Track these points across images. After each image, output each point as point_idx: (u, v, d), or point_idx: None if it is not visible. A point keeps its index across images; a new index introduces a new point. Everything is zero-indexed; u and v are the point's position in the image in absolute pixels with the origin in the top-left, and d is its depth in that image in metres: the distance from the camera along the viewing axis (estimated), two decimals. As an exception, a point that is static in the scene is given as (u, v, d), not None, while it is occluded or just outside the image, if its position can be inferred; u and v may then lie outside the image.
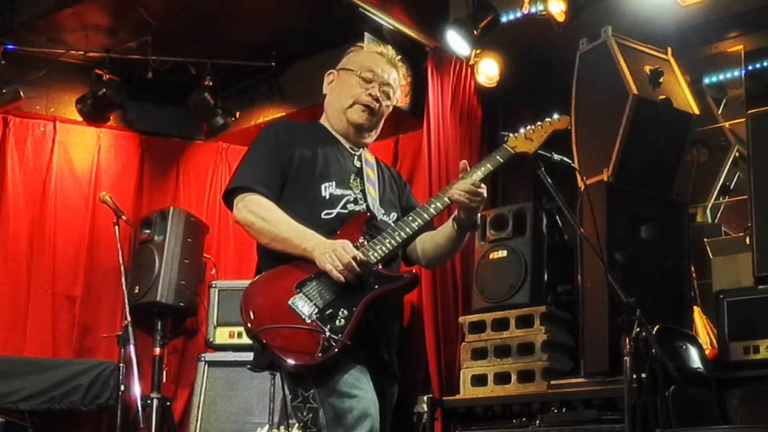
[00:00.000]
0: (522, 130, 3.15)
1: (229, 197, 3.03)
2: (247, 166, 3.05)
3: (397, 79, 3.25)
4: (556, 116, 3.18)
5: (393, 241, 2.93)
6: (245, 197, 2.97)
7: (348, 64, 3.23)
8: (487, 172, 3.06)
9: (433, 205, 3.00)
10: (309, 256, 2.86)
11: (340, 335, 2.76)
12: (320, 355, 2.74)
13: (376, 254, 2.89)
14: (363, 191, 3.08)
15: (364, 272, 2.84)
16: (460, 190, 2.96)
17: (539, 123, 3.16)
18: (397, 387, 3.12)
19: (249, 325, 2.81)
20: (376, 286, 2.86)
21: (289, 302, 2.81)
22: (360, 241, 2.92)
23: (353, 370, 2.81)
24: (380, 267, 2.90)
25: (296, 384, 2.85)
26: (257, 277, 2.94)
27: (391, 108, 3.24)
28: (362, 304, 2.82)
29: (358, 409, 2.76)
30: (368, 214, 3.03)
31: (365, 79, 3.16)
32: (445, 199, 3.01)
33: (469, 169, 3.03)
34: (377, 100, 3.15)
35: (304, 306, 2.81)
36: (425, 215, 2.99)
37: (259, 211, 2.94)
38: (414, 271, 3.01)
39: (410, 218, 2.98)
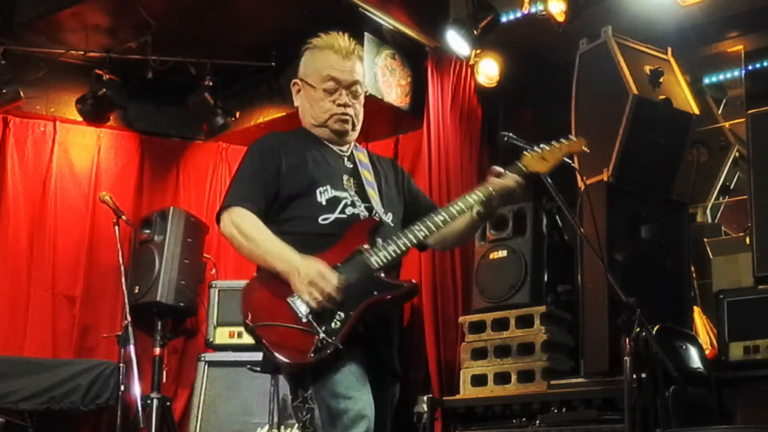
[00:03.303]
0: (537, 149, 3.09)
1: (218, 218, 3.06)
2: (232, 186, 3.08)
3: (359, 68, 3.17)
4: (573, 137, 3.15)
5: (397, 249, 2.94)
6: (230, 210, 2.98)
7: (308, 76, 3.18)
8: None
9: (440, 216, 3.00)
10: (284, 278, 2.85)
11: (334, 338, 2.77)
12: (312, 355, 2.76)
13: (378, 260, 2.90)
14: (359, 193, 3.07)
15: (373, 278, 2.86)
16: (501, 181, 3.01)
17: (555, 143, 3.11)
18: (399, 387, 3.12)
19: (247, 318, 2.84)
20: (375, 293, 2.87)
21: (288, 299, 2.83)
22: (365, 246, 2.93)
23: (351, 371, 2.82)
24: (381, 274, 2.91)
25: (296, 385, 2.88)
26: (260, 272, 2.95)
27: (363, 98, 3.21)
28: (359, 309, 2.83)
29: (353, 411, 2.76)
30: (377, 219, 3.03)
31: (329, 90, 3.12)
32: (448, 211, 3.01)
33: (502, 173, 3.03)
34: (347, 105, 3.13)
35: (302, 305, 2.82)
36: (432, 225, 2.99)
37: (240, 225, 2.95)
38: (413, 280, 3.01)
39: (417, 228, 2.98)
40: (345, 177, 3.09)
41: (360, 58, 3.19)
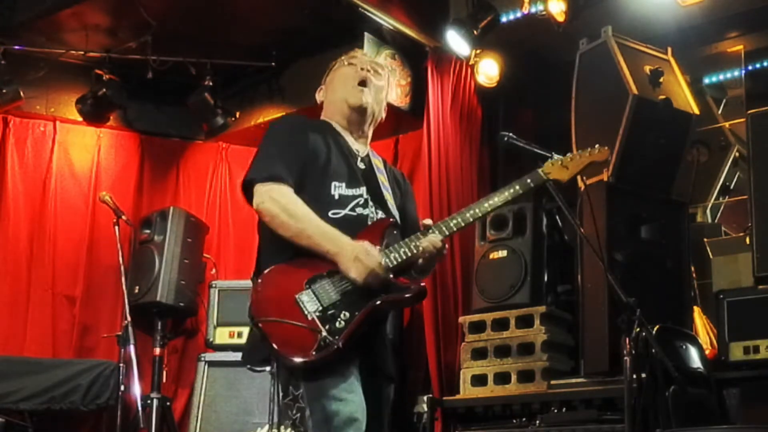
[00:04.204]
0: (558, 157, 3.12)
1: (247, 187, 3.00)
2: (265, 157, 3.02)
3: (381, 61, 3.33)
4: (596, 147, 3.17)
5: (408, 251, 2.93)
6: (269, 186, 2.94)
7: (329, 71, 3.27)
8: (516, 195, 3.08)
9: (454, 221, 3.01)
10: (332, 260, 2.85)
11: (336, 337, 2.77)
12: (314, 353, 2.75)
13: (389, 262, 2.90)
14: (373, 195, 3.07)
15: (386, 277, 2.85)
16: (428, 245, 2.94)
17: (579, 152, 3.15)
18: (393, 387, 3.12)
19: (253, 312, 2.84)
20: (383, 294, 2.87)
21: (296, 296, 2.83)
22: (377, 247, 2.92)
23: (344, 373, 2.82)
24: (390, 276, 2.90)
25: (287, 383, 2.88)
26: (273, 266, 2.92)
27: (385, 91, 3.23)
28: (364, 310, 2.83)
29: (344, 413, 2.75)
30: (391, 220, 3.04)
31: (351, 63, 3.20)
32: (466, 216, 3.01)
33: (431, 225, 3.01)
34: (368, 70, 3.17)
35: (309, 302, 2.82)
36: (446, 231, 2.99)
37: (285, 204, 2.91)
38: (422, 284, 2.99)
39: (431, 231, 2.98)
40: (360, 177, 3.09)
41: (383, 58, 3.33)
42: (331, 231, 2.88)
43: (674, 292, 4.95)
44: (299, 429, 2.84)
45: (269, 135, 3.10)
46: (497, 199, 3.05)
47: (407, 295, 2.93)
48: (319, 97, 3.29)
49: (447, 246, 3.00)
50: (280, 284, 2.87)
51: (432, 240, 2.94)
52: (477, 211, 3.03)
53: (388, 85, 3.27)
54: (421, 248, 2.92)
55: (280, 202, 2.91)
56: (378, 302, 2.86)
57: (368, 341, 2.95)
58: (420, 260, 2.96)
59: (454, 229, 3.00)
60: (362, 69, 3.17)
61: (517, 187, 3.08)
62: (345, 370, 2.82)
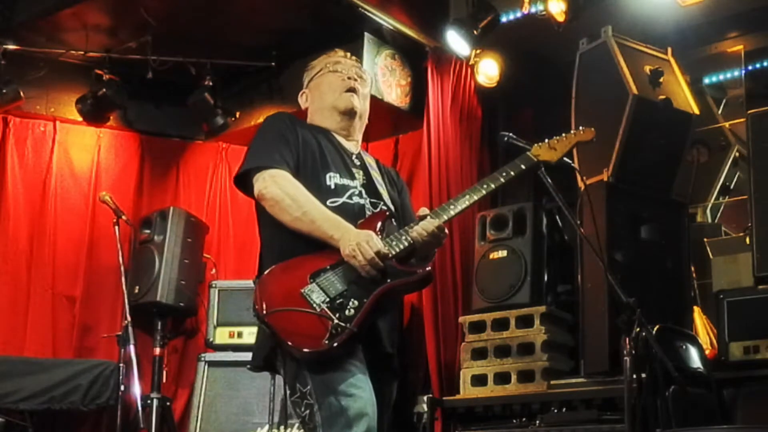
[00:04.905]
0: (546, 140, 3.18)
1: (244, 178, 3.02)
2: (262, 147, 3.04)
3: (360, 65, 3.31)
4: (581, 128, 3.25)
5: (408, 238, 2.94)
6: (272, 171, 2.96)
7: (314, 69, 3.29)
8: (508, 178, 3.10)
9: (451, 206, 3.02)
10: (334, 245, 2.87)
11: (348, 324, 2.76)
12: (327, 341, 2.74)
13: (392, 249, 2.90)
14: (367, 187, 3.10)
15: (386, 265, 2.85)
16: (424, 230, 2.94)
17: (564, 134, 3.21)
18: (396, 385, 3.12)
19: (258, 309, 2.82)
20: (389, 280, 2.87)
21: (302, 291, 2.82)
22: (378, 236, 2.92)
23: (352, 368, 2.81)
24: (395, 262, 2.91)
25: (295, 379, 2.85)
26: (273, 267, 2.92)
27: (369, 95, 3.27)
28: (373, 296, 2.83)
29: (354, 408, 2.74)
30: (388, 212, 3.05)
31: (335, 70, 3.22)
32: (462, 201, 3.02)
33: (428, 213, 3.01)
34: (354, 78, 3.20)
35: (315, 295, 2.81)
36: (444, 216, 3.00)
37: (288, 188, 2.93)
38: (429, 267, 2.99)
39: (429, 217, 2.99)
40: (354, 170, 3.12)
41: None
42: (334, 217, 2.91)
43: (674, 292, 4.95)
44: (308, 426, 2.82)
45: (262, 129, 3.13)
46: (492, 184, 3.07)
47: (413, 279, 2.93)
48: (302, 102, 3.31)
49: (447, 231, 3.00)
50: (283, 282, 2.86)
51: (430, 224, 2.95)
52: (473, 195, 3.04)
53: (370, 89, 3.31)
54: (419, 233, 2.93)
55: (284, 187, 2.93)
56: (385, 288, 2.86)
57: (377, 333, 2.95)
58: (420, 247, 2.97)
59: (452, 213, 3.01)
60: (349, 78, 3.19)
61: (510, 171, 3.11)
62: (354, 365, 2.81)
